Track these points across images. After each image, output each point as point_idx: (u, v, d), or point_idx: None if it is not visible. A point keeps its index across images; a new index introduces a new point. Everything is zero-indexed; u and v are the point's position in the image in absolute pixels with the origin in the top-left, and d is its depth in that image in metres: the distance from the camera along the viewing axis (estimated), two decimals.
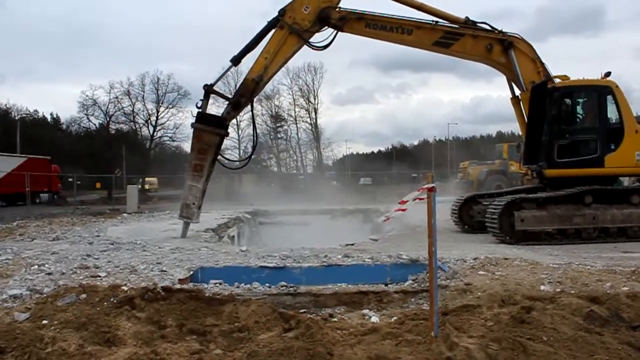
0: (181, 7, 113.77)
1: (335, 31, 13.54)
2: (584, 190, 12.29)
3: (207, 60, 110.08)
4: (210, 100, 14.28)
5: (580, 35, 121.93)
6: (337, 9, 13.42)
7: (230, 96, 14.65)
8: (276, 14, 13.38)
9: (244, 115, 49.78)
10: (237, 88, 14.95)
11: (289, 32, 13.27)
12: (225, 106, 14.18)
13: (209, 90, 13.81)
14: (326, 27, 13.50)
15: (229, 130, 14.22)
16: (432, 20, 13.67)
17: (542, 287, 6.85)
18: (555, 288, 6.80)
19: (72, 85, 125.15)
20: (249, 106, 14.30)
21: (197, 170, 13.43)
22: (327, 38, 13.61)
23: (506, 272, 7.85)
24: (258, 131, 57.15)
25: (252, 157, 18.01)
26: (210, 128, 13.40)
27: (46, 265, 8.84)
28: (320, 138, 68.75)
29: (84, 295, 5.78)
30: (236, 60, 13.84)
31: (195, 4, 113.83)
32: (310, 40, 13.60)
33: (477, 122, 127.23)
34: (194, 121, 13.59)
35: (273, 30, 13.40)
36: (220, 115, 14.07)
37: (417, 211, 19.27)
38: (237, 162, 16.11)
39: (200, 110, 13.60)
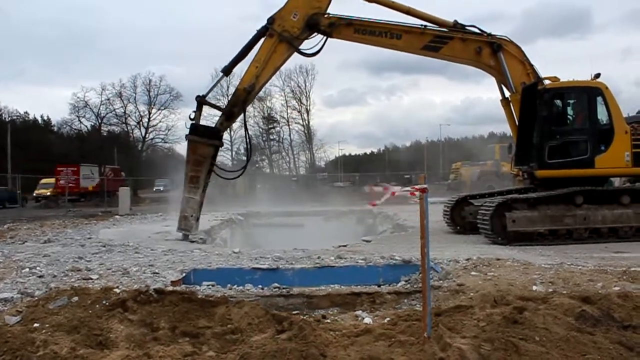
0: (173, 9, 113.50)
1: (325, 37, 13.54)
2: (575, 190, 12.35)
3: (199, 63, 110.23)
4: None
5: (566, 37, 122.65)
6: (326, 15, 13.41)
7: (222, 105, 14.64)
8: (265, 21, 13.38)
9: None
10: (229, 98, 14.95)
11: (278, 40, 13.26)
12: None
13: (201, 101, 13.79)
14: (316, 33, 13.50)
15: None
16: (421, 25, 13.70)
17: (534, 288, 6.89)
18: (547, 288, 6.84)
19: (63, 87, 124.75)
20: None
21: (193, 182, 13.38)
22: (317, 44, 13.63)
23: (498, 273, 7.89)
24: (250, 133, 57.04)
25: (247, 164, 17.95)
26: (204, 140, 13.37)
27: (37, 268, 8.80)
28: (313, 139, 68.78)
29: (75, 298, 5.74)
30: (227, 71, 13.89)
31: (186, 7, 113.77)
32: (300, 47, 13.60)
33: (468, 123, 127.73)
34: (188, 133, 13.52)
35: (263, 39, 13.38)
36: (214, 126, 14.02)
37: (409, 213, 19.33)
38: (232, 172, 16.15)
39: (193, 121, 13.54)
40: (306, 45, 13.69)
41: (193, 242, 13.46)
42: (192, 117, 13.62)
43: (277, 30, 13.20)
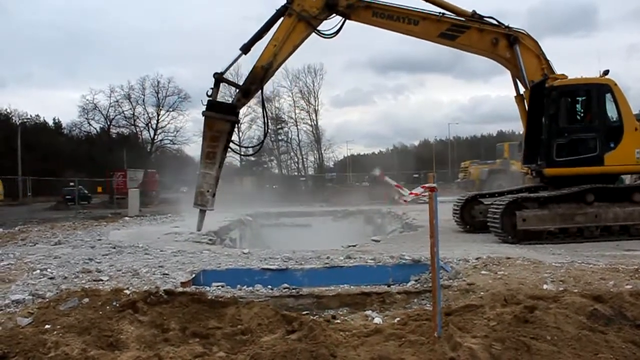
0: (179, 12, 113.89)
1: (343, 19, 13.56)
2: (585, 188, 12.25)
3: (206, 64, 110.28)
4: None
5: (572, 35, 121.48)
6: None
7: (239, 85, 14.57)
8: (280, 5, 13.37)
9: (244, 118, 49.87)
10: (246, 76, 14.89)
11: (297, 19, 13.25)
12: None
13: (219, 78, 13.77)
14: (334, 14, 13.52)
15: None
16: (439, 12, 13.70)
17: (544, 286, 6.84)
18: (558, 287, 6.79)
19: (72, 90, 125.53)
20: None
21: (209, 158, 13.34)
22: (335, 26, 13.64)
23: (509, 272, 7.85)
24: (259, 132, 57.06)
25: (257, 151, 17.79)
26: (220, 115, 13.37)
27: (48, 270, 8.85)
28: (321, 139, 68.70)
29: (86, 300, 5.77)
30: (246, 49, 13.84)
31: (193, 9, 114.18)
32: (318, 28, 13.61)
33: (476, 122, 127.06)
34: (204, 109, 13.54)
35: (282, 18, 13.42)
36: (230, 102, 14.06)
37: (418, 212, 19.27)
38: (250, 149, 15.84)
39: (210, 98, 13.58)
40: (324, 26, 13.66)
41: (201, 242, 13.52)
42: (209, 94, 13.66)
43: (296, 9, 13.22)
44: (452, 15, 13.78)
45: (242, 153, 15.95)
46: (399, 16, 13.66)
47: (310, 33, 13.59)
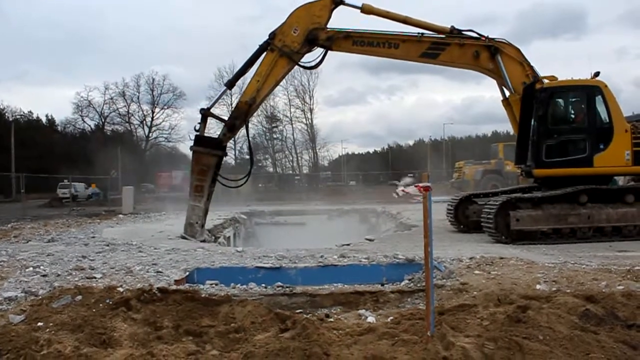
0: (175, 11, 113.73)
1: (325, 51, 13.72)
2: (579, 189, 12.31)
3: (201, 63, 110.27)
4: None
5: (561, 38, 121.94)
6: (325, 30, 13.51)
7: (225, 118, 14.94)
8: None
9: None
10: (231, 110, 15.35)
11: (279, 54, 13.50)
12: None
13: (205, 114, 14.24)
14: (315, 47, 13.67)
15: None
16: (418, 33, 13.74)
17: (537, 286, 6.87)
18: (550, 287, 6.82)
19: (67, 87, 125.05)
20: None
21: (198, 191, 13.82)
22: (318, 57, 13.94)
23: (502, 272, 7.87)
24: (253, 132, 57.36)
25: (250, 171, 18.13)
26: (207, 150, 13.78)
27: (41, 267, 8.81)
28: (316, 138, 68.73)
29: (79, 297, 5.75)
30: (230, 84, 14.34)
31: (189, 9, 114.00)
32: (302, 59, 13.80)
33: (471, 122, 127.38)
34: (192, 144, 13.98)
35: (264, 54, 13.57)
36: (217, 137, 14.31)
37: (412, 212, 19.31)
38: (234, 181, 16.41)
39: (198, 133, 13.91)
40: (308, 56, 13.94)
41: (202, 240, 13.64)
42: (197, 128, 14.04)
43: (278, 45, 13.46)
44: (432, 34, 13.85)
45: (229, 185, 16.25)
46: (379, 42, 13.84)
47: (292, 67, 14.02)
